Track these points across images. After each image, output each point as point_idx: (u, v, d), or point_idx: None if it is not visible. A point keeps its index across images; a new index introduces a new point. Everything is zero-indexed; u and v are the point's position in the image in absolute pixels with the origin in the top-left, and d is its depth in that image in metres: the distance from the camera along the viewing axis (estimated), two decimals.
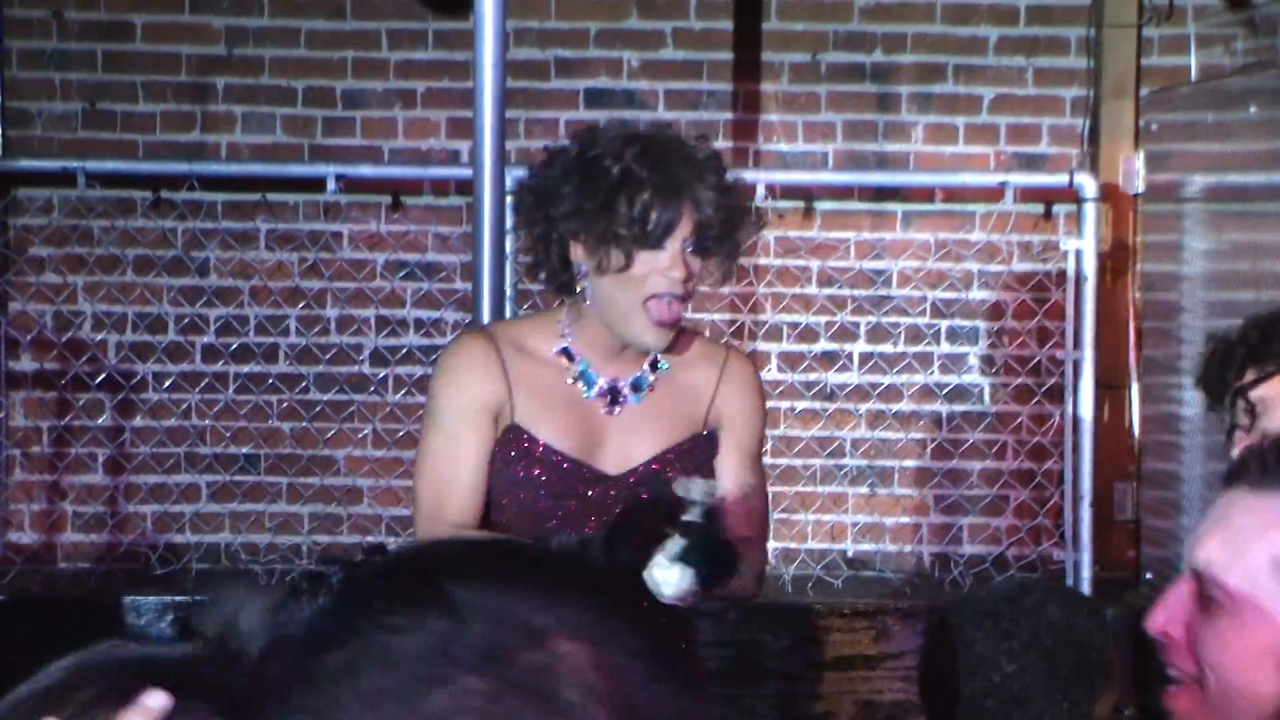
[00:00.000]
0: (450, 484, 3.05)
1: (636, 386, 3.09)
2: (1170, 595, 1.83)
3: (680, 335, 3.11)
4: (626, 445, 3.06)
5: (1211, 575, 1.79)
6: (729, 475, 3.09)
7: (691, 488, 2.82)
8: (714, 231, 3.00)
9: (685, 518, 2.81)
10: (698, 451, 3.08)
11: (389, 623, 0.95)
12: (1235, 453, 2.79)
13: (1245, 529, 1.78)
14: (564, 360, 3.08)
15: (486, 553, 1.01)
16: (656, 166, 2.97)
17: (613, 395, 3.08)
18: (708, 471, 3.02)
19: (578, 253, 3.02)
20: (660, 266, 2.97)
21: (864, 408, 5.83)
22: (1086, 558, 5.52)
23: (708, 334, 5.85)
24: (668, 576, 2.80)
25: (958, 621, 2.63)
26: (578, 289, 3.05)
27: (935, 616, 2.72)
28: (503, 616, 0.95)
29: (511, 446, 3.05)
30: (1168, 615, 1.82)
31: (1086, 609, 2.72)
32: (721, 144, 5.90)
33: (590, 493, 3.03)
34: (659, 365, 3.10)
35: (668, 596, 2.82)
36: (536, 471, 3.04)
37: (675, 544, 2.80)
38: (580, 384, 3.07)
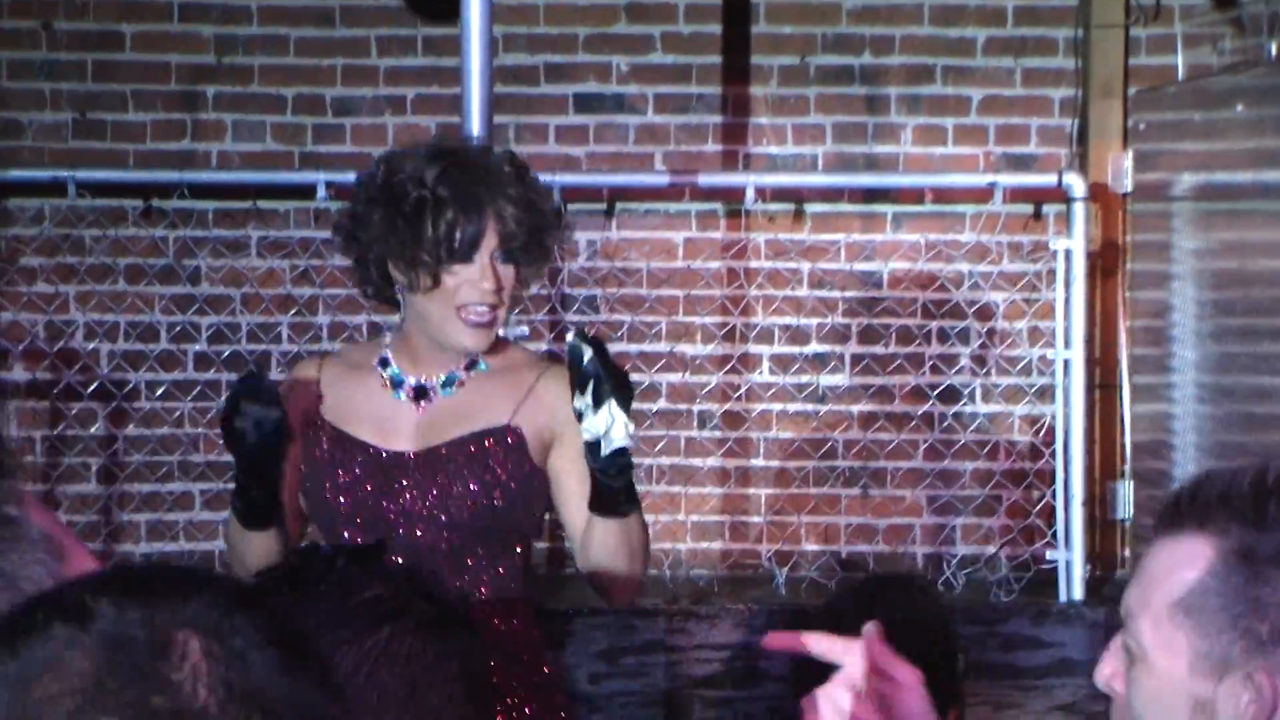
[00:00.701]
0: None
1: (447, 383, 3.22)
2: (1111, 647, 1.83)
3: (507, 346, 3.29)
4: (427, 434, 3.19)
5: (1128, 625, 1.79)
6: (573, 474, 3.16)
7: (573, 338, 3.02)
8: (519, 242, 3.13)
9: (583, 363, 2.98)
10: (493, 438, 3.17)
11: (20, 631, 1.05)
12: None
13: (1153, 575, 1.77)
14: (380, 369, 3.23)
15: (139, 571, 1.11)
16: (457, 186, 3.10)
17: (420, 393, 3.21)
18: (499, 459, 3.15)
19: (395, 271, 3.16)
20: (470, 279, 3.11)
21: (856, 409, 5.84)
22: (1079, 557, 5.52)
23: (699, 339, 5.87)
24: (596, 423, 2.98)
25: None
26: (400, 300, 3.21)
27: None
28: (127, 616, 1.04)
29: (314, 440, 3.21)
30: (1111, 668, 1.82)
31: (929, 595, 2.83)
32: (711, 147, 5.91)
33: (375, 467, 3.16)
34: (477, 365, 3.22)
35: (616, 441, 2.99)
36: (326, 450, 3.19)
37: (583, 397, 2.98)
38: (390, 388, 3.22)
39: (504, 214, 3.11)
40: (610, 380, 2.99)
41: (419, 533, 3.15)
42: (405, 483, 3.16)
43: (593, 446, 3.02)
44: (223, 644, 1.03)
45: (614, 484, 3.06)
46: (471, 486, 3.15)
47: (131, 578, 1.08)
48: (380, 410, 3.21)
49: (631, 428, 3.02)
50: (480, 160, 3.17)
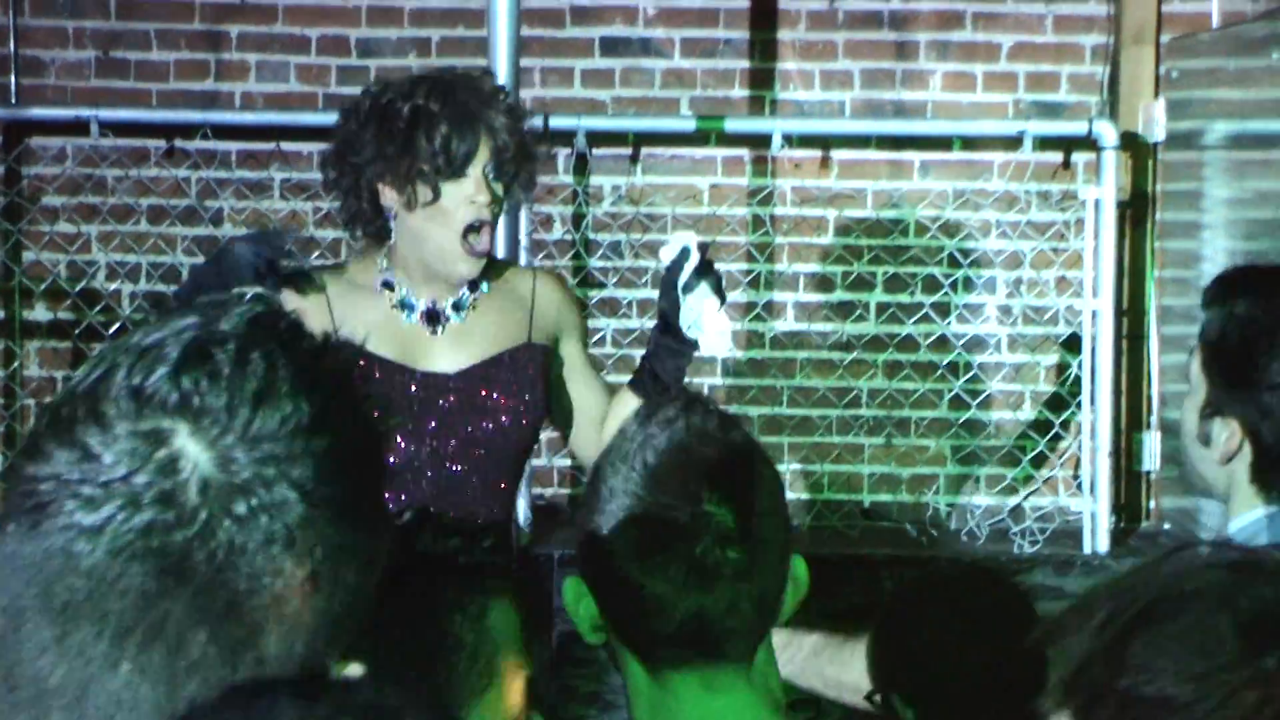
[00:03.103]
0: None
1: (457, 306, 3.25)
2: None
3: (493, 262, 3.31)
4: (450, 357, 3.24)
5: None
6: (581, 375, 3.34)
7: (675, 243, 3.13)
8: (510, 154, 3.17)
9: (693, 262, 3.10)
10: (523, 357, 3.27)
11: None
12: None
13: None
14: (386, 291, 3.24)
15: None
16: (447, 100, 3.15)
17: (433, 316, 3.24)
18: (530, 378, 3.25)
19: (386, 196, 3.18)
20: (466, 194, 3.14)
21: (881, 358, 5.80)
22: (1104, 508, 5.49)
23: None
24: (708, 319, 3.11)
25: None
26: (389, 228, 3.22)
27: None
28: None
29: None
30: None
31: (1008, 584, 2.80)
32: (738, 92, 5.86)
33: (413, 390, 3.19)
34: (479, 286, 3.26)
35: (718, 338, 3.14)
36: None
37: (701, 282, 3.11)
38: (402, 311, 3.24)
39: (495, 127, 3.15)
40: (716, 281, 3.14)
41: (453, 455, 3.20)
42: (444, 404, 3.20)
43: (672, 329, 3.15)
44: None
45: (668, 376, 3.20)
46: (506, 404, 3.22)
47: None
48: (396, 332, 3.23)
49: (730, 341, 3.18)
50: (466, 79, 3.22)
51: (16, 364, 5.73)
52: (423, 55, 5.81)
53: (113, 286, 5.77)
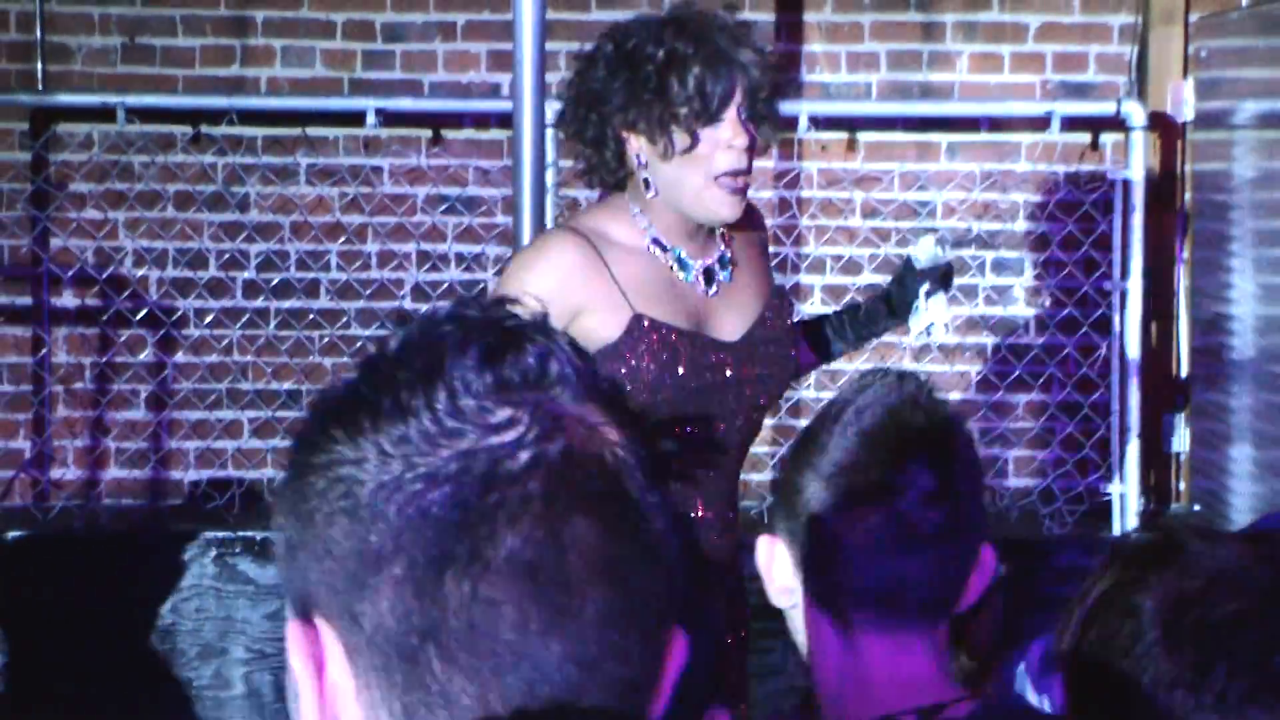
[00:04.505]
0: None
1: (723, 263, 3.16)
2: None
3: None
4: (730, 319, 3.14)
5: None
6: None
7: (928, 245, 3.25)
8: (764, 94, 3.06)
9: (941, 261, 3.25)
10: (784, 308, 3.23)
11: None
12: None
13: None
14: (657, 250, 3.10)
15: None
16: (698, 40, 3.02)
17: (708, 276, 3.14)
18: (789, 332, 3.23)
19: (634, 146, 3.05)
20: (723, 139, 3.02)
21: (907, 341, 5.78)
22: (1134, 490, 5.47)
23: None
24: (937, 308, 3.25)
25: None
26: (640, 180, 3.08)
27: None
28: None
29: (640, 337, 3.06)
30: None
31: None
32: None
33: (715, 360, 3.09)
34: (731, 238, 3.19)
35: (933, 335, 3.28)
36: (665, 355, 3.06)
37: (939, 299, 3.25)
38: (678, 270, 3.11)
39: (747, 65, 3.03)
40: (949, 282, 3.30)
41: (739, 420, 3.12)
42: (730, 372, 3.10)
43: (896, 317, 3.30)
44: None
45: (865, 335, 3.40)
46: (780, 364, 3.18)
47: None
48: (677, 297, 3.10)
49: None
50: (711, 16, 3.09)
51: (45, 350, 5.73)
52: (448, 39, 5.80)
53: (140, 273, 5.78)
